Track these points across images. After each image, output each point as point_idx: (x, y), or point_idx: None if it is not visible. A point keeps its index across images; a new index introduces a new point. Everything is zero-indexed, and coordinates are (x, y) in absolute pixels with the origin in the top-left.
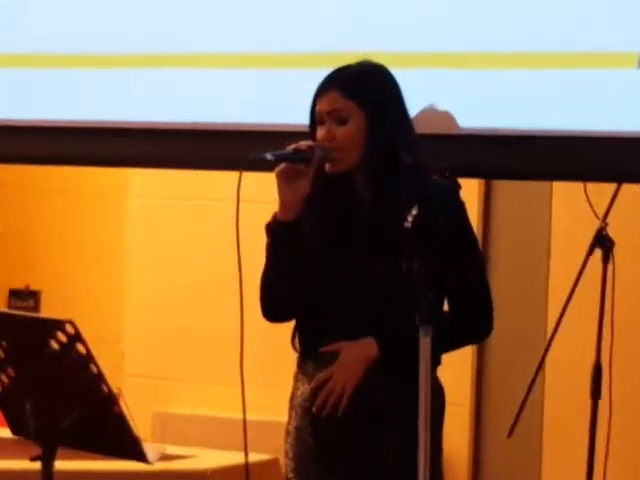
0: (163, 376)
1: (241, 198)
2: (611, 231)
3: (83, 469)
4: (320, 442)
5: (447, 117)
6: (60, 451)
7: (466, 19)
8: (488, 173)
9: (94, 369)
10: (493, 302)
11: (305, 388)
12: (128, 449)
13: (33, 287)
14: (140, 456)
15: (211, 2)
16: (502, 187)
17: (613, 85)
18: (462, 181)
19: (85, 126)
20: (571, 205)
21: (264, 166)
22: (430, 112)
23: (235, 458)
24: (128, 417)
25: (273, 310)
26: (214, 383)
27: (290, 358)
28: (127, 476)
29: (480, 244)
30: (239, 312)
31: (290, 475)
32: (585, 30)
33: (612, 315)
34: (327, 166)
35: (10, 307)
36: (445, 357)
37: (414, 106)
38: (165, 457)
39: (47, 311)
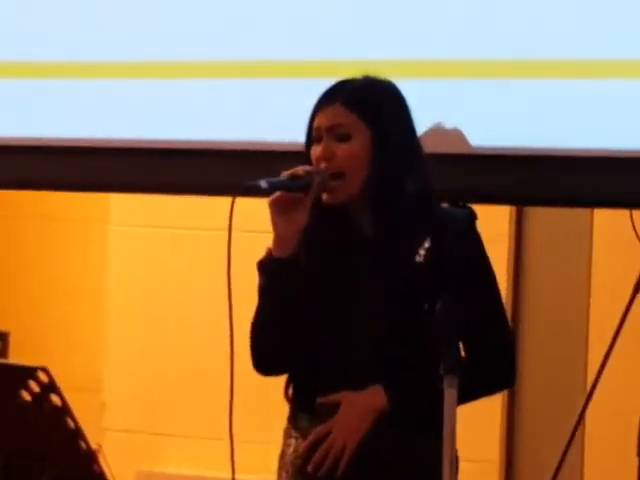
0: (147, 431)
1: (233, 227)
2: None
3: None
4: None
5: (457, 135)
6: None
7: (477, 23)
8: (509, 199)
9: (70, 423)
10: (516, 346)
11: (298, 444)
12: None
13: (0, 328)
14: None
15: (191, 2)
16: (536, 215)
17: None
18: (490, 208)
19: (52, 144)
20: (615, 236)
21: (258, 194)
22: (438, 130)
23: None
24: (109, 477)
25: (266, 361)
26: (202, 437)
27: (285, 411)
28: None
29: (510, 280)
30: (229, 358)
31: None
32: (619, 35)
33: None
34: (325, 196)
35: None
36: (470, 406)
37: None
38: None
39: (16, 356)
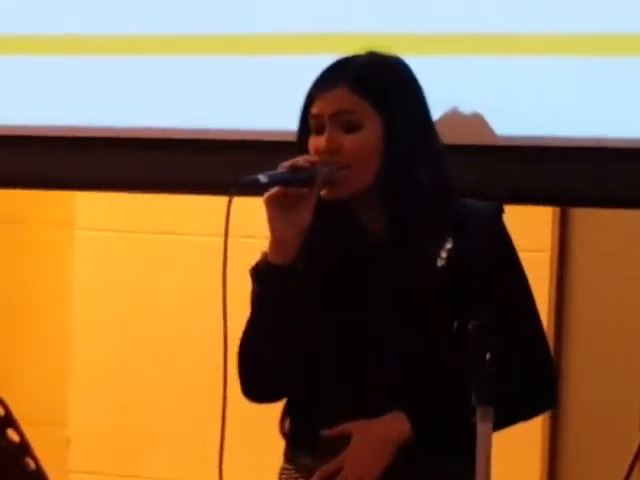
0: (118, 472)
1: (217, 232)
2: None
3: None
4: None
5: (478, 121)
6: None
7: None
8: (548, 199)
9: (30, 463)
10: (555, 364)
11: None
12: None
13: None
14: None
15: None
16: (585, 220)
17: None
18: (526, 214)
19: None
20: None
21: (256, 191)
22: (455, 116)
23: None
24: None
25: (259, 384)
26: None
27: (280, 447)
28: None
29: (552, 299)
30: (214, 385)
31: None
32: None
33: None
34: (324, 190)
35: None
36: (506, 432)
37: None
38: None
39: None
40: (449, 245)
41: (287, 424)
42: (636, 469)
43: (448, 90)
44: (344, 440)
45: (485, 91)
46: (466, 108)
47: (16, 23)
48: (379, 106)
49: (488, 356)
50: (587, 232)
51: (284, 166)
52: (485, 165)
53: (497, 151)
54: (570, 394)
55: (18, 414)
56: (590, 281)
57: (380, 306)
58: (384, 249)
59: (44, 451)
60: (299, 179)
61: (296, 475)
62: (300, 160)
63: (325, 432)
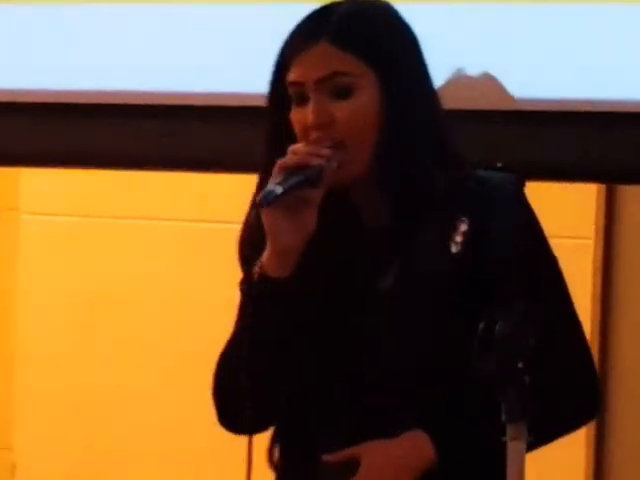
0: None
1: (182, 216)
2: None
3: None
4: None
5: (490, 84)
6: None
7: None
8: (585, 174)
9: None
10: (595, 366)
11: None
12: None
13: None
14: None
15: None
16: (633, 196)
17: None
18: (564, 195)
19: None
20: None
21: (273, 205)
22: (462, 79)
23: None
24: None
25: (241, 415)
26: None
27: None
28: None
29: (597, 296)
30: (186, 401)
31: None
32: None
33: None
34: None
35: None
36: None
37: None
38: None
39: None
40: (464, 227)
41: (277, 453)
42: None
43: (447, 44)
44: (350, 467)
45: (495, 44)
46: (474, 69)
47: None
48: (372, 59)
49: (520, 364)
50: (638, 216)
51: (285, 163)
52: (505, 135)
53: (520, 117)
54: (616, 402)
55: None
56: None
57: (385, 309)
58: (386, 237)
59: None
60: (308, 179)
61: None
62: (305, 155)
63: (327, 457)
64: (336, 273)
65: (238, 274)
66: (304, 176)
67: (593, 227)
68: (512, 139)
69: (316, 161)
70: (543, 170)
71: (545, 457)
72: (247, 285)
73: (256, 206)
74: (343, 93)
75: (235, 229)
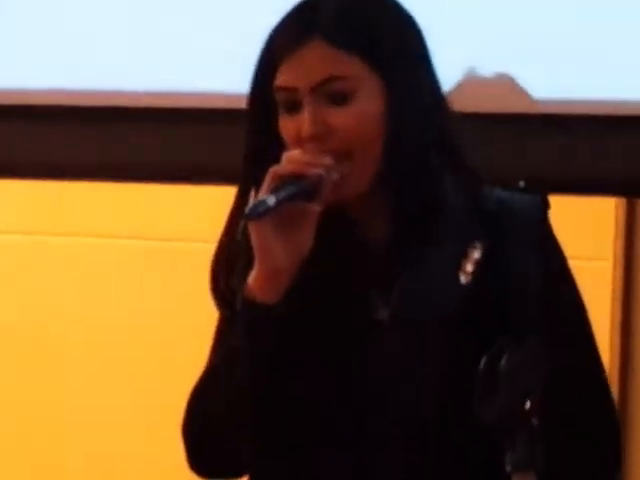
0: None
1: (138, 233)
2: None
3: None
4: None
5: (509, 85)
6: None
7: None
8: (610, 188)
9: None
10: (617, 412)
11: None
12: None
13: None
14: None
15: None
16: None
17: None
18: (580, 211)
19: None
20: None
21: (263, 217)
22: (476, 80)
23: None
24: None
25: (216, 458)
26: None
27: None
28: None
29: (616, 322)
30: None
31: None
32: None
33: None
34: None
35: None
36: None
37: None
38: None
39: None
40: (476, 254)
41: None
42: None
43: (454, 39)
44: None
45: (510, 40)
46: (487, 69)
47: None
48: (374, 58)
49: (528, 404)
50: None
51: (280, 173)
52: (518, 142)
53: (534, 122)
54: (637, 438)
55: None
56: None
57: (384, 343)
58: (388, 260)
59: None
60: (305, 191)
61: None
62: (302, 164)
63: None
64: (331, 298)
65: (200, 297)
66: (300, 187)
67: (612, 247)
68: (528, 145)
69: (315, 171)
70: (554, 181)
71: None
72: (228, 310)
73: (244, 218)
74: (341, 98)
75: (193, 247)
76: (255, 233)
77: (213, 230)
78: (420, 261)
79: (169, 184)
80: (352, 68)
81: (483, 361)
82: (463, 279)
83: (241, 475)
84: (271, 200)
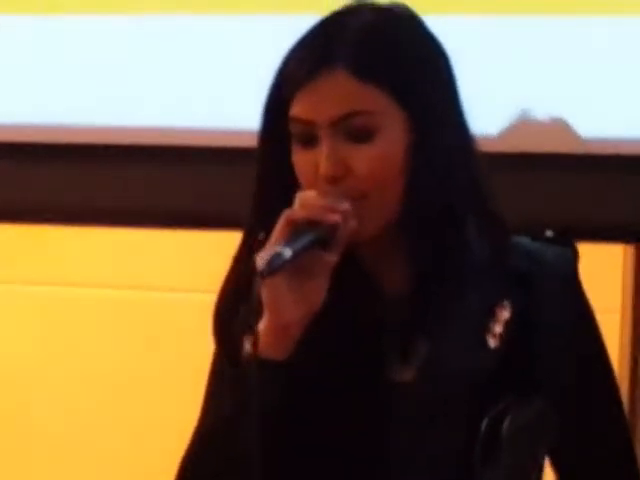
0: None
1: (119, 283)
2: None
3: None
4: None
5: (562, 127)
6: None
7: None
8: (607, 232)
9: None
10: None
11: None
12: None
13: None
14: None
15: None
16: None
17: None
18: (592, 252)
19: None
20: None
21: (279, 271)
22: (528, 123)
23: None
24: None
25: None
26: None
27: None
28: None
29: (626, 363)
30: None
31: None
32: None
33: None
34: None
35: None
36: None
37: None
38: None
39: None
40: (505, 314)
41: None
42: None
43: (507, 78)
44: None
45: (561, 82)
46: (539, 110)
47: None
48: (399, 92)
49: (534, 476)
50: None
51: (294, 219)
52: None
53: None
54: None
55: None
56: None
57: (404, 409)
58: (408, 314)
59: None
60: (320, 240)
61: None
62: (319, 209)
63: None
64: (345, 355)
65: (174, 349)
66: (316, 236)
67: (620, 298)
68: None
69: (332, 218)
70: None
71: None
72: (230, 366)
73: (258, 275)
74: (363, 136)
75: (169, 298)
76: (266, 285)
77: (195, 279)
78: (443, 321)
79: (153, 229)
80: (376, 102)
81: (485, 422)
82: (492, 343)
83: None
84: (287, 252)
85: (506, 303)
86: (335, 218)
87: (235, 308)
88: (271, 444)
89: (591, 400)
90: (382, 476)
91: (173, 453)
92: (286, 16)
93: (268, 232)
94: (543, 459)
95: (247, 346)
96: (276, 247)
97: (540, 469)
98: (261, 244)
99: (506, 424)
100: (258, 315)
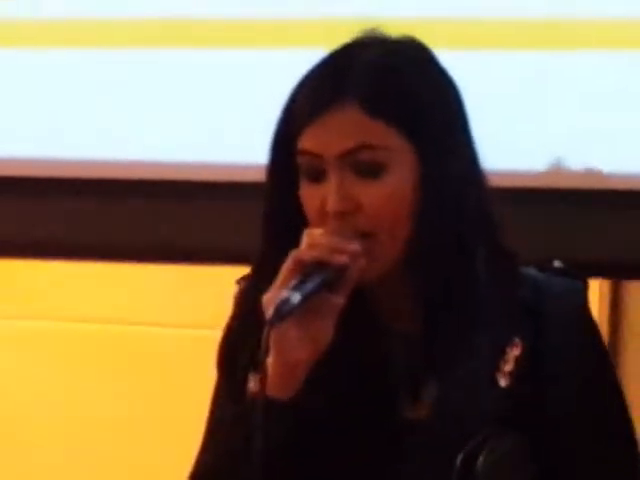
0: None
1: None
2: None
3: None
4: None
5: (596, 179)
6: None
7: None
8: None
9: None
10: None
11: None
12: None
13: None
14: None
15: None
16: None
17: None
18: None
19: None
20: None
21: (288, 316)
22: (560, 171)
23: None
24: None
25: None
26: None
27: None
28: None
29: None
30: None
31: None
32: None
33: None
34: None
35: None
36: None
37: None
38: None
39: None
40: (516, 352)
41: None
42: None
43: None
44: None
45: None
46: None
47: None
48: (410, 129)
49: None
50: None
51: (302, 260)
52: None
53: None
54: None
55: None
56: None
57: (416, 447)
58: (418, 351)
59: None
60: (328, 282)
61: None
62: (327, 250)
63: None
64: (353, 394)
65: (141, 382)
66: (324, 277)
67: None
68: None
69: (341, 259)
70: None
71: None
72: (233, 402)
73: (268, 324)
74: (371, 171)
75: (140, 331)
76: (275, 328)
77: (166, 313)
78: (454, 361)
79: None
80: (385, 138)
81: (459, 458)
82: (502, 382)
83: None
84: (295, 298)
85: (517, 340)
86: (343, 259)
87: (242, 344)
88: None
89: (601, 434)
90: None
91: None
92: (287, 50)
93: (276, 269)
94: None
95: (252, 384)
96: (284, 292)
97: None
98: (268, 281)
99: (481, 459)
100: (265, 354)
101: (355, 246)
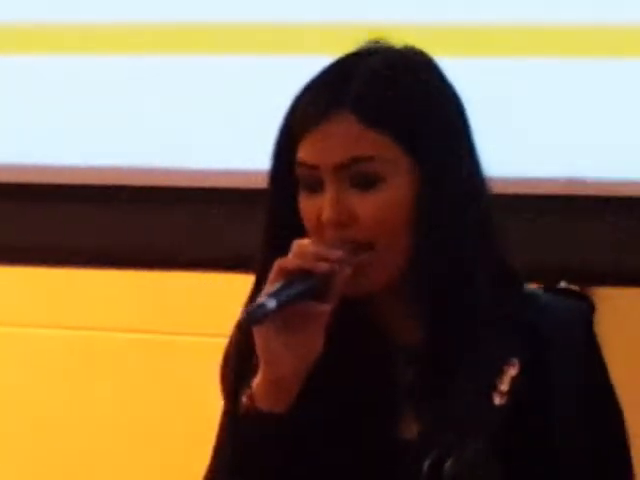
0: None
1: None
2: None
3: None
4: None
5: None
6: None
7: None
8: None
9: None
10: None
11: None
12: None
13: None
14: None
15: None
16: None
17: None
18: None
19: None
20: None
21: (263, 321)
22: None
23: None
24: None
25: None
26: None
27: None
28: None
29: None
30: None
31: None
32: None
33: None
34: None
35: None
36: None
37: None
38: None
39: None
40: (513, 372)
41: None
42: None
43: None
44: None
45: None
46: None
47: None
48: (408, 141)
49: None
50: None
51: (286, 268)
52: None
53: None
54: None
55: None
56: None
57: (409, 466)
58: (414, 367)
59: None
60: (312, 289)
61: None
62: (310, 258)
63: None
64: (346, 409)
65: (109, 389)
66: (307, 285)
67: None
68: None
69: (323, 267)
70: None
71: None
72: (230, 419)
73: (241, 322)
74: (368, 182)
75: (105, 337)
76: (258, 338)
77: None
78: (452, 378)
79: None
80: (382, 149)
81: (426, 464)
82: (497, 400)
83: None
84: (271, 303)
85: (514, 360)
86: (326, 267)
87: (237, 357)
88: None
89: (600, 455)
90: None
91: None
92: (290, 57)
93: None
94: None
95: (244, 398)
96: (261, 298)
97: None
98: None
99: (448, 465)
100: (238, 360)
101: (338, 253)
